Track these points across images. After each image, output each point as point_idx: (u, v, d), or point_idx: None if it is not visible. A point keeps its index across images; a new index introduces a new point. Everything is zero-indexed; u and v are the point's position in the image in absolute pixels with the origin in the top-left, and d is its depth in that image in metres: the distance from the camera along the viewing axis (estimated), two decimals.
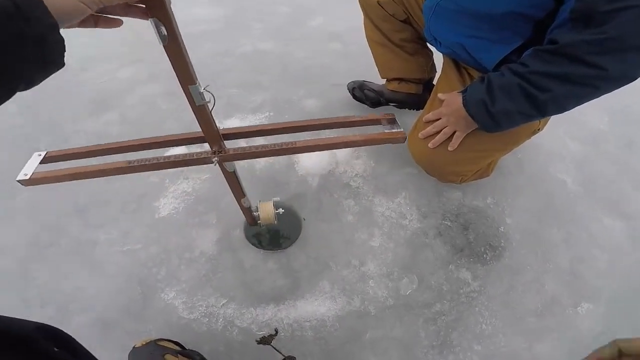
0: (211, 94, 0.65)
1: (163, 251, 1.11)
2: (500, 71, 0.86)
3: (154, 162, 0.74)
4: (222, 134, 0.76)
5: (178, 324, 0.98)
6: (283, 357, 0.94)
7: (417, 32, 1.24)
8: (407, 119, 1.46)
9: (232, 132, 0.79)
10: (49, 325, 0.60)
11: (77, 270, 1.07)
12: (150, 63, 1.78)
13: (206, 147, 0.77)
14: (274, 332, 0.98)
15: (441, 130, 1.02)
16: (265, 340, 0.97)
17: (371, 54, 1.38)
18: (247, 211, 1.05)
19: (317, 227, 1.18)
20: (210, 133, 0.72)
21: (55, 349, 0.55)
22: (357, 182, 1.30)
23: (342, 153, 1.38)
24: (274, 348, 0.96)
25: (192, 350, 0.90)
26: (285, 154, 0.76)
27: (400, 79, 1.39)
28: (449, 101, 1.01)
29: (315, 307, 1.03)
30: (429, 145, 1.04)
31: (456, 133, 1.00)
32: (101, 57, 1.83)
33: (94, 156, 0.77)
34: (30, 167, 0.72)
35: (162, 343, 0.87)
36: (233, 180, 0.89)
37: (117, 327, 0.96)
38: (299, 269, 1.10)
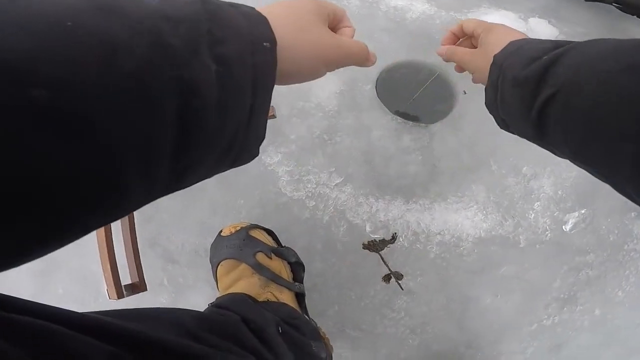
0: None
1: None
2: None
3: None
4: None
5: (276, 203, 0.76)
6: (388, 272, 0.76)
7: None
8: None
9: None
10: None
11: None
12: None
13: None
14: (390, 238, 0.77)
15: None
16: (374, 247, 0.76)
17: None
18: None
19: (480, 106, 0.78)
20: None
21: None
22: None
23: None
24: (382, 258, 0.76)
25: (287, 247, 0.70)
26: None
27: None
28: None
29: (457, 218, 0.77)
30: None
31: None
32: None
33: None
34: None
35: (254, 233, 0.67)
36: None
37: (203, 195, 0.74)
38: (443, 157, 0.80)
